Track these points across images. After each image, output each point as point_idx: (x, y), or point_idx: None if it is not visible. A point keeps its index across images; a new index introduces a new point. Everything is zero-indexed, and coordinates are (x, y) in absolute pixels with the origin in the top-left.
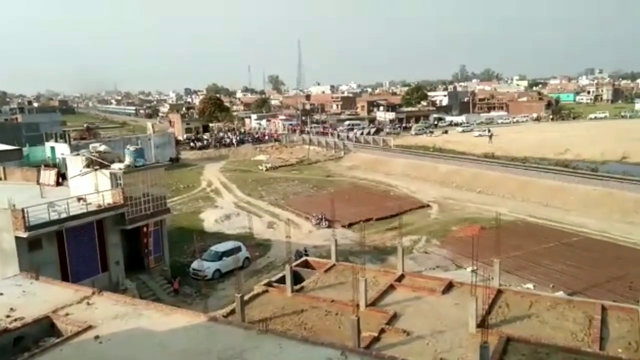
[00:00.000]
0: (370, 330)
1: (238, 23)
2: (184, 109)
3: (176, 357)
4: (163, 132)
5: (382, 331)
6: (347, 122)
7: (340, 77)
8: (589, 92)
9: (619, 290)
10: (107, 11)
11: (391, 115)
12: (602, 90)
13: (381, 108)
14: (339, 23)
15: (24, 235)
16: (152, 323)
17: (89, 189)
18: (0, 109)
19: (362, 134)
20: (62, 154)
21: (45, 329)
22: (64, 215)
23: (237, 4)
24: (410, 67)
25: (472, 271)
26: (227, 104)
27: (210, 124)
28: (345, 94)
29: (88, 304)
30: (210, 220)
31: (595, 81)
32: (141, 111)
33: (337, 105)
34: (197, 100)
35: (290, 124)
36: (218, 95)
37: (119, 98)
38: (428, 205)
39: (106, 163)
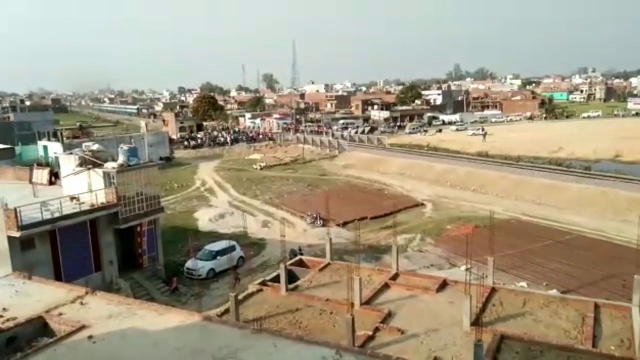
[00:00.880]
0: (364, 328)
1: (232, 22)
2: (177, 107)
3: (170, 356)
4: (157, 131)
5: (376, 330)
6: (341, 121)
7: (335, 76)
8: (582, 91)
9: (612, 288)
10: (99, 9)
11: (385, 114)
12: (595, 89)
13: (375, 107)
14: (334, 22)
15: (17, 234)
16: (146, 323)
17: (82, 188)
18: None
19: (356, 132)
20: (55, 153)
21: (38, 329)
22: (56, 215)
23: (232, 3)
24: (405, 66)
25: (466, 269)
26: (221, 103)
27: (204, 123)
28: (340, 93)
29: (81, 303)
30: (204, 219)
31: (588, 80)
32: (143, 110)
33: (332, 104)
34: (191, 99)
35: (285, 123)
36: (212, 94)
37: (112, 97)
38: (422, 204)
39: (99, 162)
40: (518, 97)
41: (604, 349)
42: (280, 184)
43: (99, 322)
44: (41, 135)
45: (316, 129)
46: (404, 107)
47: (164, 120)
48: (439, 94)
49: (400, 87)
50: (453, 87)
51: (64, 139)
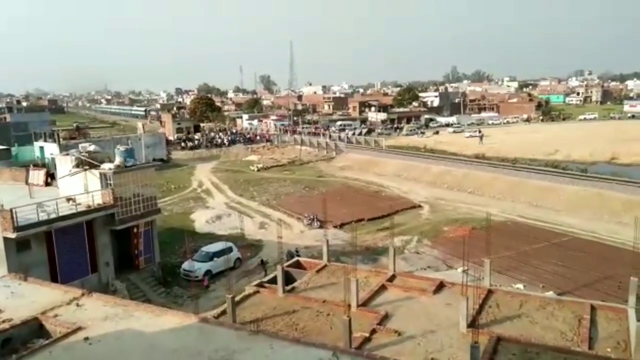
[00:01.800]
0: (361, 330)
1: (229, 23)
2: (175, 108)
3: (167, 358)
4: (154, 132)
5: (373, 331)
6: (338, 123)
7: (332, 77)
8: (578, 94)
9: (608, 290)
10: (97, 10)
11: (383, 115)
12: (591, 92)
13: (373, 109)
14: (331, 24)
15: (13, 236)
16: (143, 324)
17: (79, 189)
18: None
19: (353, 134)
20: (52, 154)
21: (34, 331)
22: (53, 216)
23: (230, 4)
24: (402, 68)
25: (463, 271)
26: (219, 104)
27: (202, 124)
28: (337, 95)
29: (77, 305)
30: (201, 220)
31: (585, 83)
32: (152, 112)
33: (329, 105)
34: (188, 100)
35: (282, 124)
36: (209, 95)
37: (109, 97)
38: (419, 206)
39: (96, 163)
40: (515, 100)
41: (600, 350)
42: (277, 185)
43: (95, 324)
44: (37, 136)
45: (313, 130)
46: (401, 109)
47: (161, 122)
48: (436, 96)
49: (398, 89)
50: (450, 89)
51: (61, 139)
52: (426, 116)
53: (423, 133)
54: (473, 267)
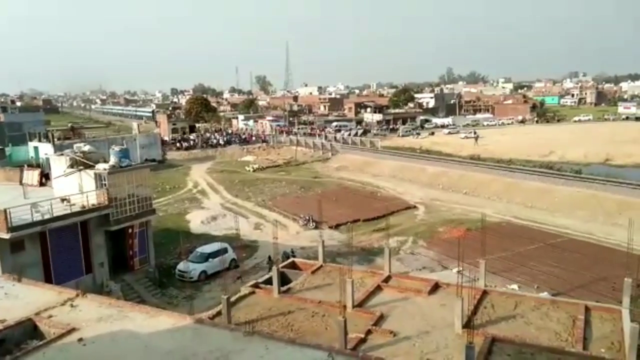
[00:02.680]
0: (357, 331)
1: (226, 24)
2: (170, 109)
3: (161, 359)
4: (149, 133)
5: (368, 332)
6: (334, 124)
7: (328, 78)
8: (573, 95)
9: (603, 291)
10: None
11: (378, 116)
12: (586, 94)
13: (368, 110)
14: (327, 26)
15: (6, 236)
16: (137, 325)
17: (73, 189)
18: None
19: (349, 135)
20: (46, 154)
21: (27, 332)
22: (47, 216)
23: (226, 4)
24: (398, 69)
25: (458, 272)
26: (214, 105)
27: (197, 125)
28: (333, 95)
29: (72, 306)
30: (196, 221)
31: (579, 84)
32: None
33: (325, 106)
34: (183, 101)
35: (278, 125)
36: (205, 96)
37: (104, 97)
38: (415, 207)
39: (90, 163)
40: (510, 101)
41: (594, 351)
42: (273, 186)
43: (90, 325)
44: (32, 136)
45: (309, 131)
46: (396, 110)
47: (156, 122)
48: (431, 97)
49: (393, 90)
50: (445, 91)
51: (55, 139)
52: (422, 117)
53: (418, 134)
54: (468, 267)
